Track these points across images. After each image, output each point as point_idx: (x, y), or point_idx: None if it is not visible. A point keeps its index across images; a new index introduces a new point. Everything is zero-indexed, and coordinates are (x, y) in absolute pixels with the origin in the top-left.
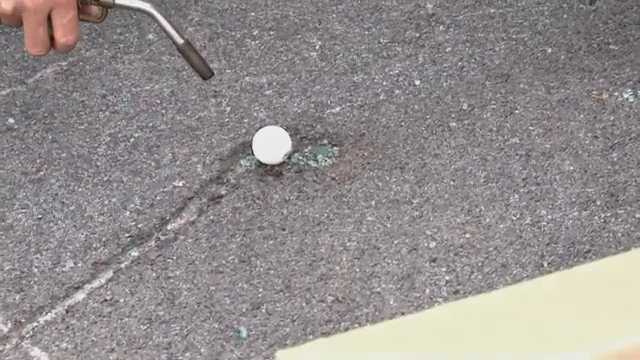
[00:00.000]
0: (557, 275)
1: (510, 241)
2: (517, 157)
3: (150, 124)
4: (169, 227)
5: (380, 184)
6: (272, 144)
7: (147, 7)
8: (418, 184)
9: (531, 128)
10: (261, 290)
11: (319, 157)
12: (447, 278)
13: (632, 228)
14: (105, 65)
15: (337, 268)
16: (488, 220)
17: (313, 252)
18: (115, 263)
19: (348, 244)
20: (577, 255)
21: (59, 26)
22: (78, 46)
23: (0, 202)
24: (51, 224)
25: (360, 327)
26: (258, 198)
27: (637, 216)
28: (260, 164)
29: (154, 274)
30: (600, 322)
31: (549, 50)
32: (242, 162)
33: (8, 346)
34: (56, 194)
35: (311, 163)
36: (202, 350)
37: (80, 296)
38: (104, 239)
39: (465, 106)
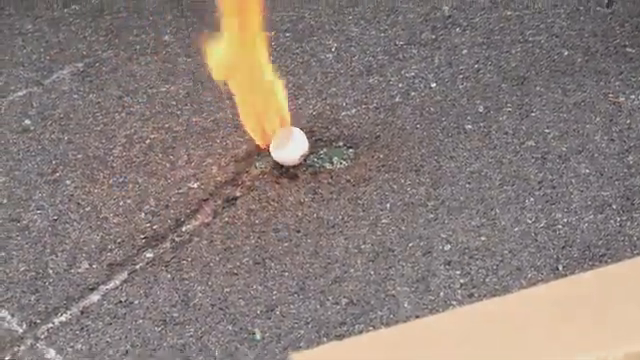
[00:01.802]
0: (572, 278)
1: (525, 244)
2: (533, 160)
3: (166, 125)
4: (184, 229)
5: (395, 187)
6: (289, 145)
7: None
8: (433, 187)
9: (547, 131)
10: (275, 292)
11: (334, 159)
12: (462, 281)
13: None
14: (121, 66)
15: (352, 270)
16: (503, 223)
17: (328, 254)
18: (130, 264)
19: (363, 247)
20: (592, 259)
21: None
22: (94, 47)
23: (16, 203)
24: (66, 225)
25: (374, 330)
26: (273, 200)
27: None
28: (275, 166)
29: (169, 275)
30: (617, 325)
31: (565, 53)
32: (257, 164)
33: (23, 347)
34: (72, 195)
35: (326, 165)
36: (216, 352)
37: (95, 297)
38: (119, 240)
39: (481, 109)
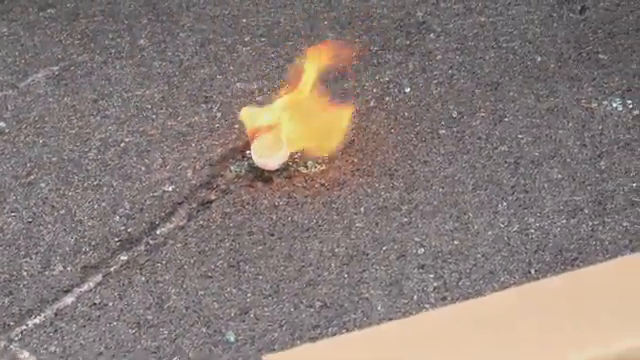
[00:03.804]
0: (544, 282)
1: (498, 248)
2: (506, 165)
3: (141, 129)
4: (158, 232)
5: (369, 190)
6: (278, 154)
7: None
8: (407, 191)
9: (520, 136)
10: (249, 295)
11: (309, 163)
12: (435, 284)
13: (619, 236)
14: (96, 70)
15: (325, 274)
16: (476, 227)
17: (302, 258)
18: (104, 267)
19: (337, 250)
20: (564, 263)
21: None
22: (70, 51)
23: None
24: (41, 228)
25: (348, 332)
26: (248, 204)
27: (624, 224)
28: (250, 169)
29: (143, 278)
30: (588, 328)
31: (539, 59)
32: (232, 168)
33: None
34: (46, 198)
35: (301, 169)
36: (190, 354)
37: (69, 300)
38: (94, 243)
39: (455, 114)
